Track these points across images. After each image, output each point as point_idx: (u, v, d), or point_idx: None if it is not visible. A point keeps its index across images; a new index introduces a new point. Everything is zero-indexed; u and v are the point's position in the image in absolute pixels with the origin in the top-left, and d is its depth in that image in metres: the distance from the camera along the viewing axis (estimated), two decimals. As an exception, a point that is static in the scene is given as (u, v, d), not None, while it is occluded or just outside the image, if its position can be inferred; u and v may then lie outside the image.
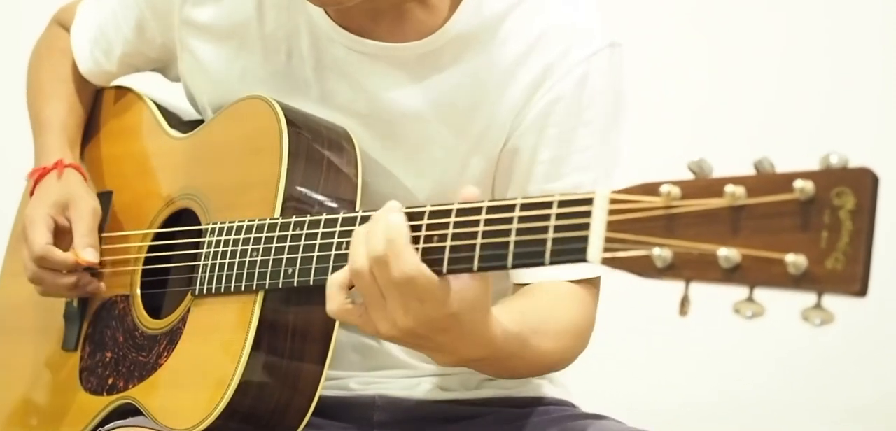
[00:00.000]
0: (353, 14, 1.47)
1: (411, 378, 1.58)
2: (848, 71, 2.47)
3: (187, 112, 1.71)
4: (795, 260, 0.94)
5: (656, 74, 2.47)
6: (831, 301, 0.96)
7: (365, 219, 1.30)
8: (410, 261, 1.18)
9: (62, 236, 1.61)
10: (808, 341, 2.30)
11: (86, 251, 1.58)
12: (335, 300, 1.24)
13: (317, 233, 1.36)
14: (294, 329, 1.43)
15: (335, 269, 1.32)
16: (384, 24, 1.48)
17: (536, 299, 1.42)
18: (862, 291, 0.93)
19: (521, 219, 1.14)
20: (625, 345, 2.40)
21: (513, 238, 1.14)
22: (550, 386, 1.64)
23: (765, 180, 0.98)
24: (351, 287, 1.25)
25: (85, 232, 1.59)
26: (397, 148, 1.51)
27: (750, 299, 0.99)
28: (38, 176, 1.66)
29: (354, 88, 1.51)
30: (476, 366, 1.39)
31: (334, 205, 1.46)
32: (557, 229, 1.10)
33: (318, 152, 1.47)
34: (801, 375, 2.43)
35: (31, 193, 1.65)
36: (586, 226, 1.07)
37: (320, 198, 1.46)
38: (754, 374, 2.43)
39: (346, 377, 1.57)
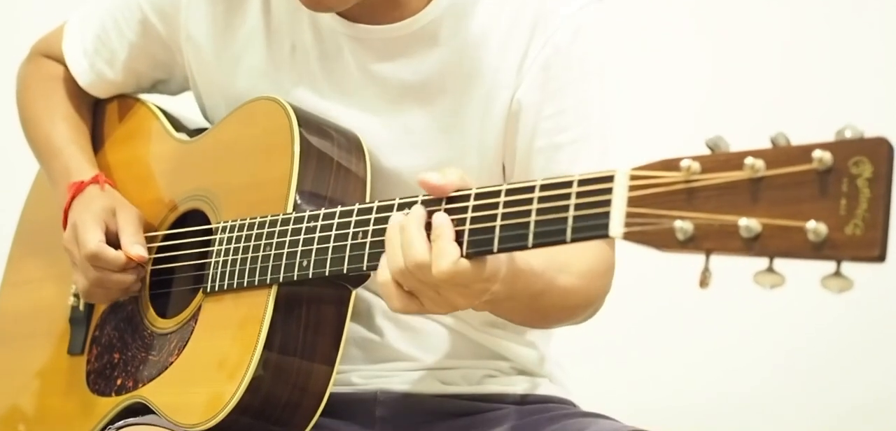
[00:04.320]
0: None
1: (413, 372, 1.60)
2: (849, 65, 2.50)
3: (192, 120, 1.73)
4: (816, 228, 0.97)
5: (659, 66, 2.50)
6: (850, 269, 0.98)
7: (381, 210, 1.32)
8: (447, 260, 1.22)
9: (110, 241, 1.61)
10: (808, 339, 2.33)
11: (134, 247, 1.59)
12: (394, 297, 1.27)
13: (332, 225, 1.38)
14: (306, 326, 1.44)
15: (352, 258, 1.35)
16: (381, 8, 1.51)
17: None
18: (881, 256, 0.95)
19: (542, 200, 1.16)
20: (624, 345, 2.41)
21: (533, 218, 1.17)
22: (550, 385, 1.66)
23: (783, 152, 1.00)
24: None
25: (133, 231, 1.60)
26: (409, 124, 1.54)
27: (770, 269, 1.01)
28: (76, 189, 1.66)
29: (362, 74, 1.54)
30: (506, 308, 1.40)
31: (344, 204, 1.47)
32: (578, 207, 1.13)
33: (328, 153, 1.49)
34: (801, 374, 2.44)
35: (67, 206, 1.65)
36: (607, 203, 1.10)
37: (330, 199, 1.47)
38: (754, 374, 2.44)
39: (349, 371, 1.58)
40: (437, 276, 1.22)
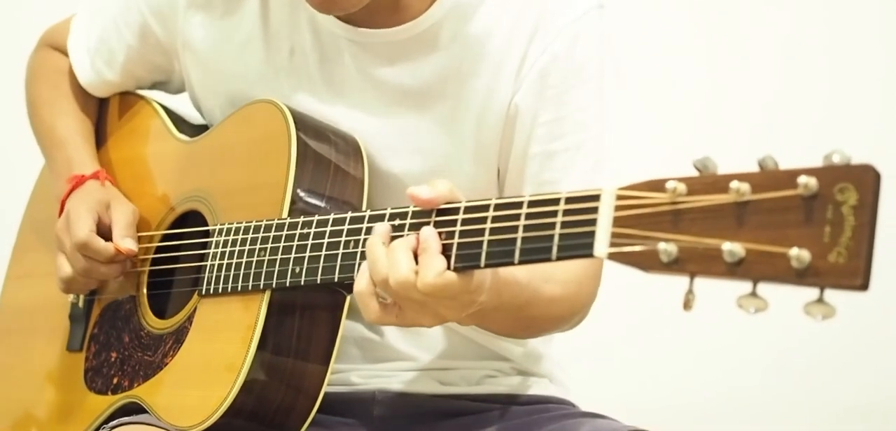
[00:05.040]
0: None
1: (412, 371, 1.60)
2: (846, 70, 2.49)
3: (195, 117, 1.73)
4: (799, 255, 0.96)
5: (655, 73, 2.49)
6: (833, 295, 0.98)
7: (373, 219, 1.32)
8: (432, 273, 1.21)
9: (102, 234, 1.62)
10: (806, 339, 2.32)
11: (125, 240, 1.60)
12: (371, 309, 1.26)
13: (325, 233, 1.38)
14: (300, 328, 1.44)
15: (343, 268, 1.35)
16: (382, 12, 1.50)
17: None
18: (864, 285, 0.95)
19: (529, 216, 1.16)
20: (623, 345, 2.42)
21: (520, 234, 1.17)
22: (550, 385, 1.66)
23: (769, 177, 1.00)
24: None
25: (125, 225, 1.61)
26: (408, 128, 1.53)
27: (753, 294, 1.00)
28: (76, 182, 1.67)
29: (362, 78, 1.54)
30: (492, 320, 1.40)
31: (341, 209, 1.47)
32: (564, 225, 1.12)
33: (325, 156, 1.49)
34: (800, 373, 2.45)
35: (65, 197, 1.66)
36: (593, 222, 1.09)
37: (327, 201, 1.47)
38: (753, 373, 2.45)
39: (348, 370, 1.58)
40: (423, 289, 1.21)
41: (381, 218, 1.31)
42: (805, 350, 2.39)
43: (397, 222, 1.28)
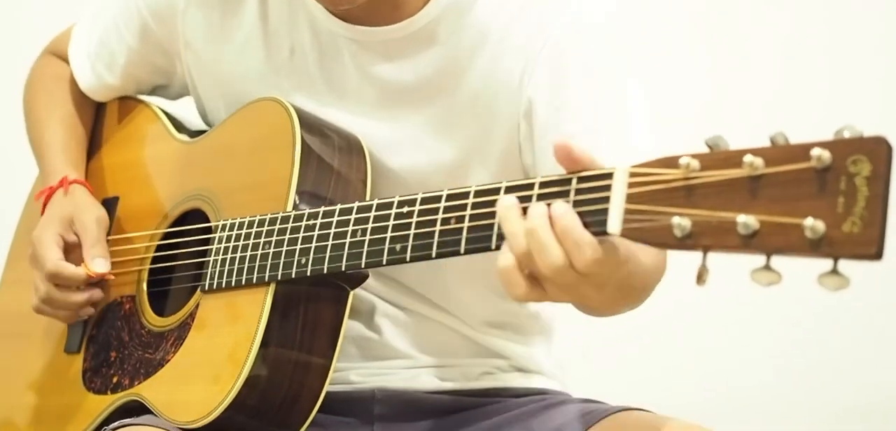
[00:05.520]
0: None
1: (411, 369, 1.60)
2: (846, 69, 2.51)
3: (194, 122, 1.73)
4: (813, 225, 0.97)
5: (659, 67, 2.50)
6: (846, 267, 0.98)
7: (380, 207, 1.32)
8: (588, 250, 1.12)
9: (72, 251, 1.63)
10: (806, 339, 2.33)
11: (95, 261, 1.60)
12: (518, 286, 1.15)
13: (331, 223, 1.38)
14: (303, 324, 1.44)
15: (351, 256, 1.35)
16: (380, 9, 1.50)
17: None
18: (878, 254, 0.96)
19: (541, 197, 1.16)
20: (623, 345, 2.42)
21: None
22: (548, 381, 1.66)
23: (782, 150, 1.01)
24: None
25: (93, 242, 1.61)
26: (409, 125, 1.53)
27: (767, 267, 1.01)
28: (46, 197, 1.67)
29: (361, 76, 1.54)
30: (604, 298, 1.23)
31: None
32: (577, 203, 1.13)
33: (329, 153, 1.49)
34: (800, 373, 2.45)
35: (41, 213, 1.66)
36: (606, 199, 1.10)
37: (330, 198, 1.47)
38: (753, 373, 2.45)
39: (346, 369, 1.58)
40: (582, 269, 1.12)
41: (389, 206, 1.31)
42: (805, 350, 2.40)
43: (406, 209, 1.29)
